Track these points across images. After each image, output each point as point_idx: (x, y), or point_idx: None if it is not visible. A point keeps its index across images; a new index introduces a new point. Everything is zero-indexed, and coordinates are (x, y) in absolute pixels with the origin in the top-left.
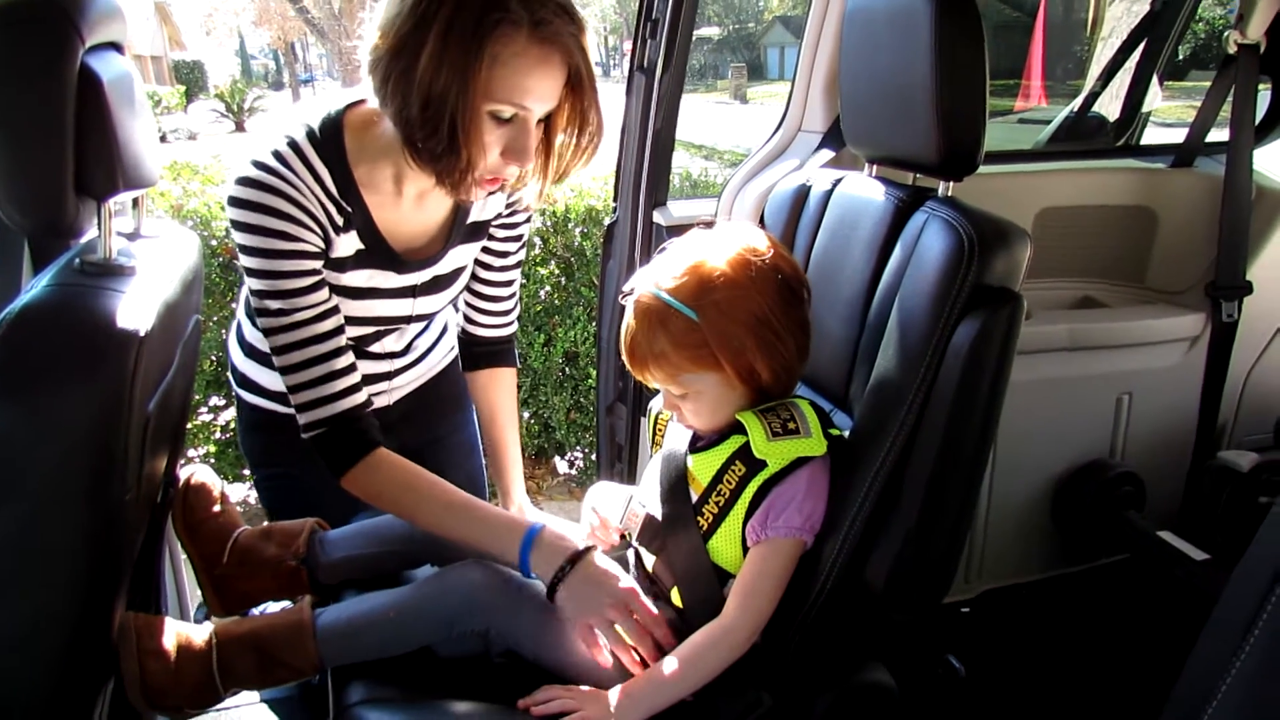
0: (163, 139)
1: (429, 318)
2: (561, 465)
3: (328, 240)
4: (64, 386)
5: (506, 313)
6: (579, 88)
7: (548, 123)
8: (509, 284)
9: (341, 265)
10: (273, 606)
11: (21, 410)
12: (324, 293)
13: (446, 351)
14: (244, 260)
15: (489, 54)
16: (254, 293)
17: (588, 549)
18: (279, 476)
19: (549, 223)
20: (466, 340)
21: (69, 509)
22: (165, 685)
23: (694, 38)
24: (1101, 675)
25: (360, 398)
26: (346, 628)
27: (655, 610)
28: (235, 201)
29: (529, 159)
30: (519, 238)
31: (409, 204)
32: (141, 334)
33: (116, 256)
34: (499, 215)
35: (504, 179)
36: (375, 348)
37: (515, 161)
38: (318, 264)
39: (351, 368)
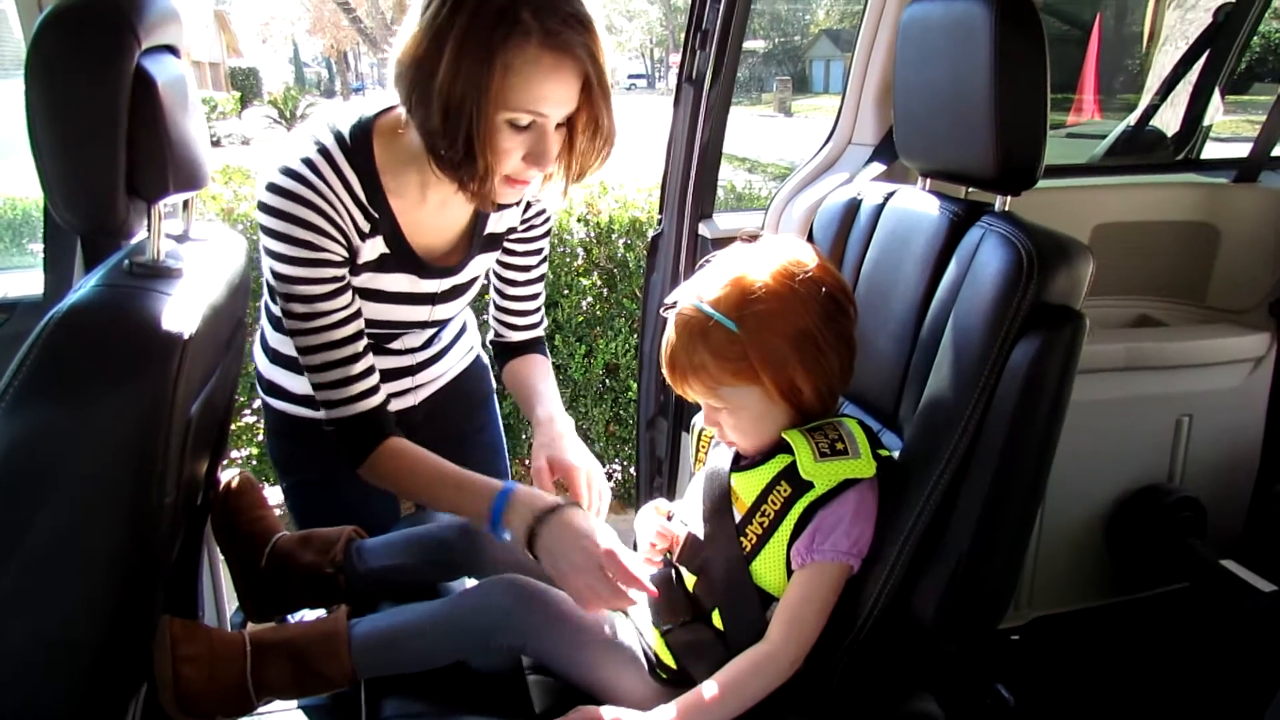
0: (216, 143)
1: (445, 321)
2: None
3: (353, 248)
4: (107, 388)
5: (534, 313)
6: (592, 92)
7: (569, 125)
8: (534, 296)
9: (367, 269)
10: (308, 615)
11: (64, 411)
12: (346, 298)
13: (467, 350)
14: (269, 263)
15: (501, 64)
16: (279, 295)
17: (564, 504)
18: (307, 484)
19: (592, 234)
20: (499, 345)
21: (108, 511)
22: (199, 691)
23: (741, 51)
24: (1158, 710)
25: (378, 399)
26: (381, 639)
27: (635, 572)
28: (265, 208)
29: (549, 163)
30: (539, 250)
31: (432, 210)
32: (186, 337)
33: (165, 258)
34: (514, 229)
35: (527, 181)
36: (396, 345)
37: (535, 166)
38: (342, 271)
39: (370, 370)
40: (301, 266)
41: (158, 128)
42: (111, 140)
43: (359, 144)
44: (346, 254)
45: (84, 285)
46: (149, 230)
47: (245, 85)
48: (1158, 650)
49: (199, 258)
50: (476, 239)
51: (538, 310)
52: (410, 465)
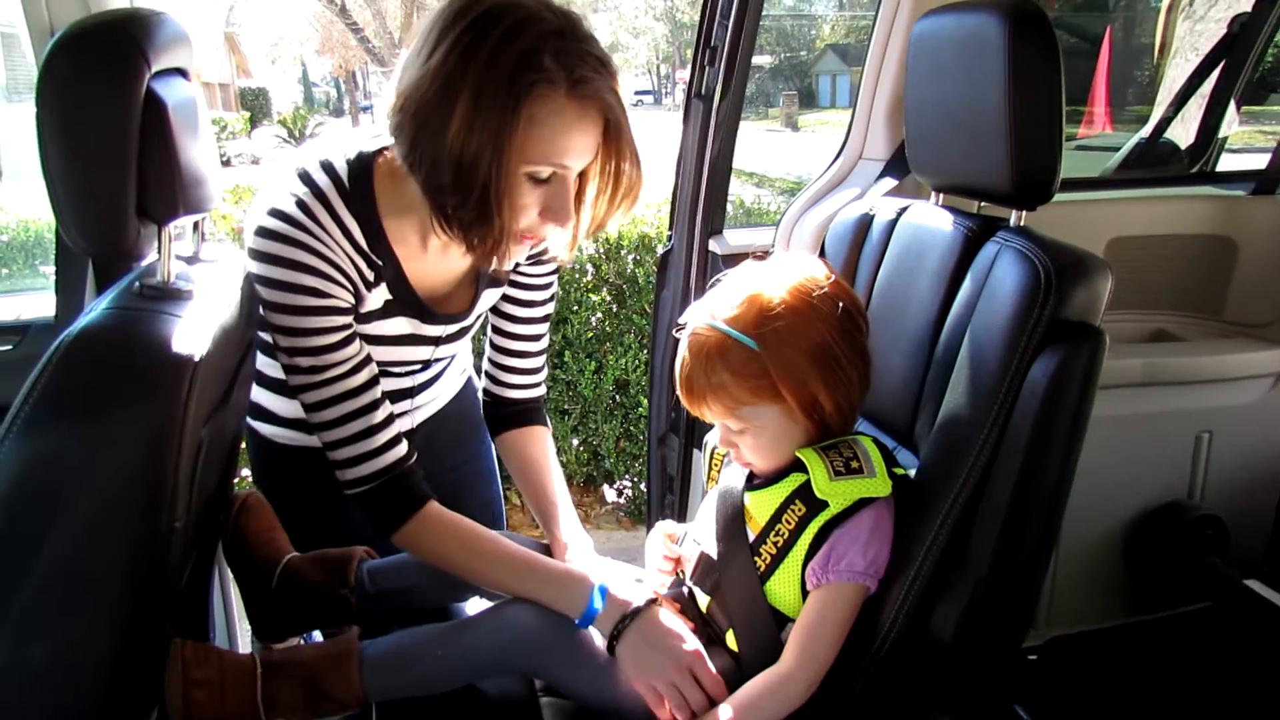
0: (227, 163)
1: (448, 357)
2: (610, 494)
3: (358, 296)
4: (117, 411)
5: (535, 370)
6: (615, 139)
7: (580, 174)
8: (537, 338)
9: (370, 316)
10: (319, 636)
11: (74, 434)
12: (356, 345)
13: (461, 370)
14: (269, 316)
15: (525, 115)
16: (281, 349)
17: (650, 603)
18: (306, 511)
19: (601, 249)
20: (493, 403)
21: (117, 534)
22: (210, 714)
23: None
24: None
25: (403, 449)
26: (393, 661)
27: (716, 674)
28: (259, 255)
29: (569, 217)
30: (547, 286)
31: (435, 254)
32: (197, 358)
33: (175, 280)
34: (519, 264)
35: (541, 237)
36: (394, 369)
37: (554, 221)
38: (348, 319)
39: (390, 419)
40: (307, 316)
41: (168, 150)
42: (122, 163)
43: (358, 186)
44: (353, 300)
45: (95, 308)
46: (159, 252)
47: (255, 105)
48: (1179, 671)
49: (209, 279)
50: (482, 278)
51: (540, 355)
52: (458, 538)
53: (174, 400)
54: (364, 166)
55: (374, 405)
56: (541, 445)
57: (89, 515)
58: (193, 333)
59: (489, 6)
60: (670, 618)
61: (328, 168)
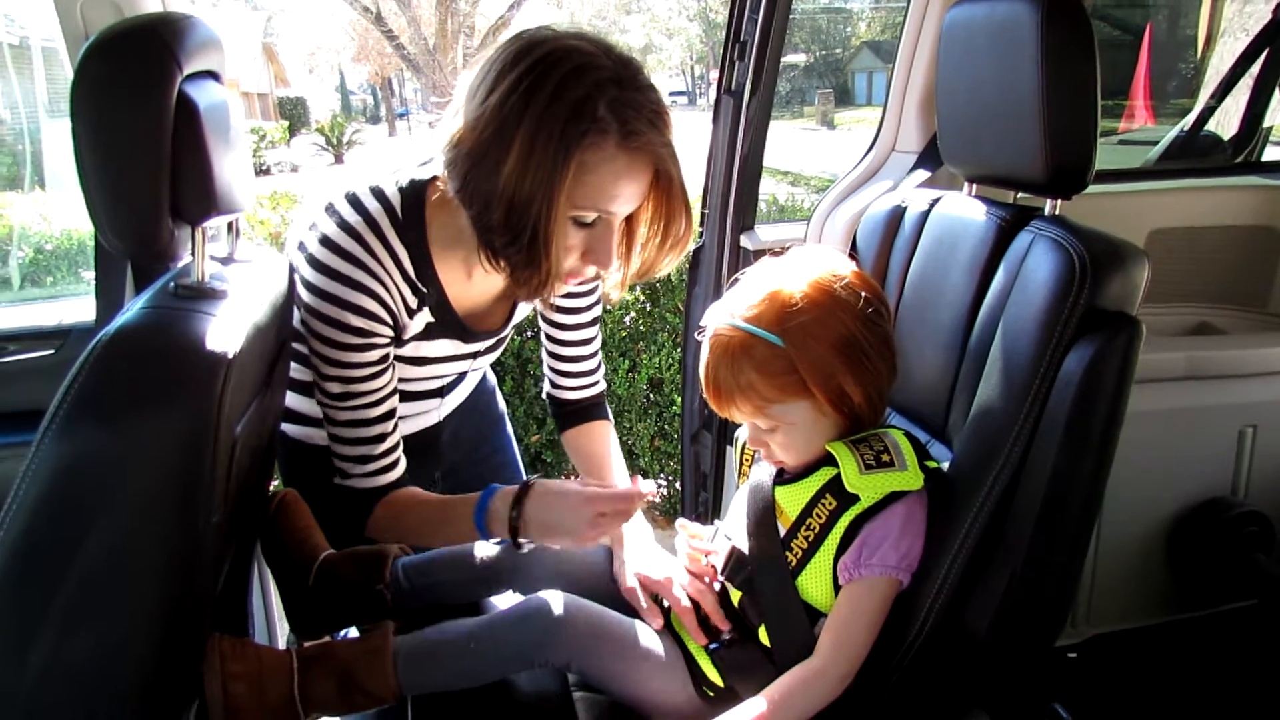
0: (266, 171)
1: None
2: None
3: (399, 325)
4: (153, 410)
5: (592, 372)
6: (665, 188)
7: (630, 217)
8: (589, 342)
9: (411, 340)
10: (354, 632)
11: (111, 433)
12: (385, 377)
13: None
14: (313, 343)
15: (576, 161)
16: (318, 373)
17: (529, 483)
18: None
19: None
20: (556, 402)
21: (156, 533)
22: (248, 708)
23: (781, 65)
24: None
25: (397, 472)
26: (427, 656)
27: (624, 493)
28: (309, 287)
29: (610, 262)
30: (590, 293)
31: (477, 280)
32: (230, 356)
33: (210, 280)
34: None
35: (584, 276)
36: (432, 381)
37: (596, 263)
38: (387, 351)
39: (394, 448)
40: (347, 351)
41: (200, 152)
42: (155, 165)
43: (411, 216)
44: (393, 333)
45: (130, 308)
46: (193, 253)
47: (293, 114)
48: (1222, 670)
49: (243, 279)
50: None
51: (594, 357)
52: (400, 510)
53: (208, 398)
54: (417, 196)
55: (382, 437)
56: (602, 439)
57: (126, 513)
58: (226, 331)
59: (549, 50)
60: (552, 483)
61: (379, 194)
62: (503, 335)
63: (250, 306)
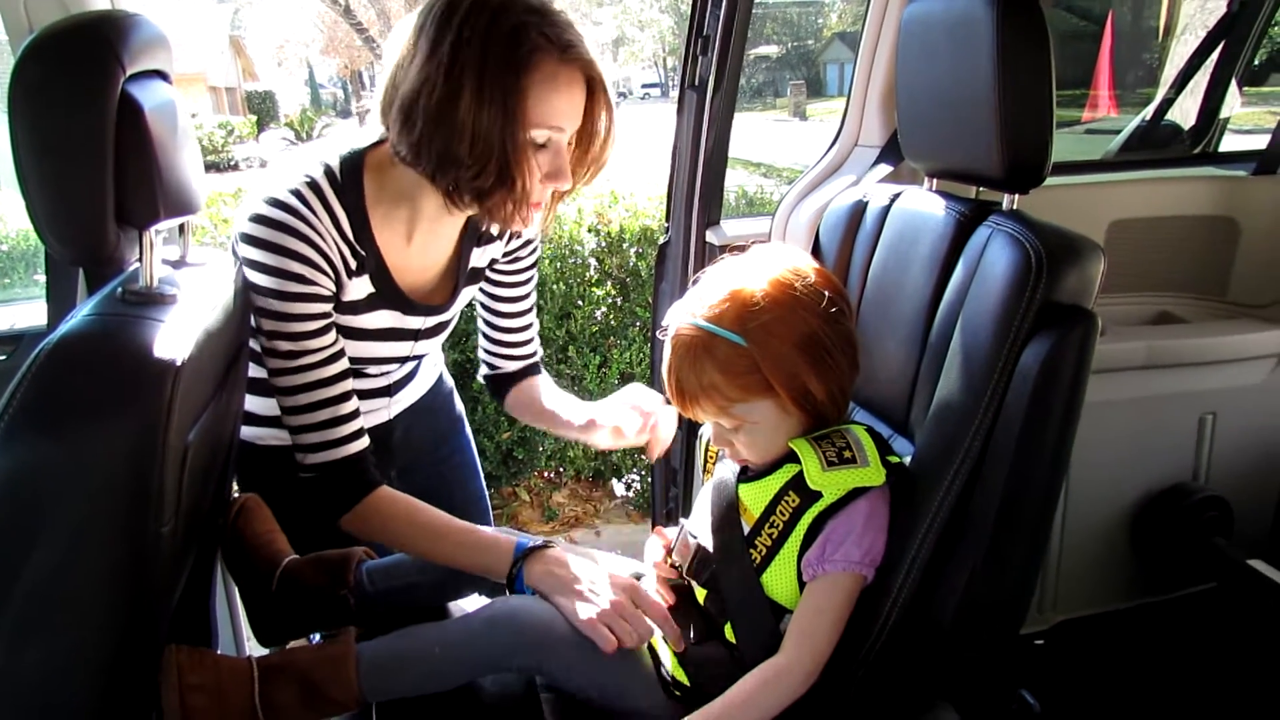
0: (235, 166)
1: (424, 354)
2: (619, 488)
3: (340, 284)
4: (98, 420)
5: (529, 343)
6: (598, 95)
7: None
8: (528, 326)
9: (354, 308)
10: (318, 638)
11: (55, 444)
12: (332, 335)
13: (434, 365)
14: (255, 299)
15: (526, 81)
16: (263, 332)
17: (555, 543)
18: (294, 515)
19: (604, 243)
20: (495, 378)
21: (103, 542)
22: (207, 719)
23: (753, 56)
24: (1186, 712)
25: (364, 442)
26: (390, 662)
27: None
28: (251, 240)
29: (569, 178)
30: (528, 280)
31: (417, 248)
32: (179, 364)
33: (159, 285)
34: (496, 260)
35: (544, 202)
36: (372, 370)
37: (555, 182)
38: (329, 307)
39: (356, 413)
40: (290, 301)
41: (146, 154)
42: (98, 168)
43: (349, 179)
44: (334, 288)
45: (75, 315)
46: (141, 257)
47: (262, 108)
48: (1186, 652)
49: (196, 282)
50: (462, 274)
51: (532, 339)
52: (403, 516)
53: (156, 407)
54: (355, 161)
55: (344, 397)
56: (546, 385)
57: (73, 524)
58: (175, 338)
59: (471, 1)
60: (584, 552)
61: (323, 163)
62: (446, 317)
63: (201, 311)
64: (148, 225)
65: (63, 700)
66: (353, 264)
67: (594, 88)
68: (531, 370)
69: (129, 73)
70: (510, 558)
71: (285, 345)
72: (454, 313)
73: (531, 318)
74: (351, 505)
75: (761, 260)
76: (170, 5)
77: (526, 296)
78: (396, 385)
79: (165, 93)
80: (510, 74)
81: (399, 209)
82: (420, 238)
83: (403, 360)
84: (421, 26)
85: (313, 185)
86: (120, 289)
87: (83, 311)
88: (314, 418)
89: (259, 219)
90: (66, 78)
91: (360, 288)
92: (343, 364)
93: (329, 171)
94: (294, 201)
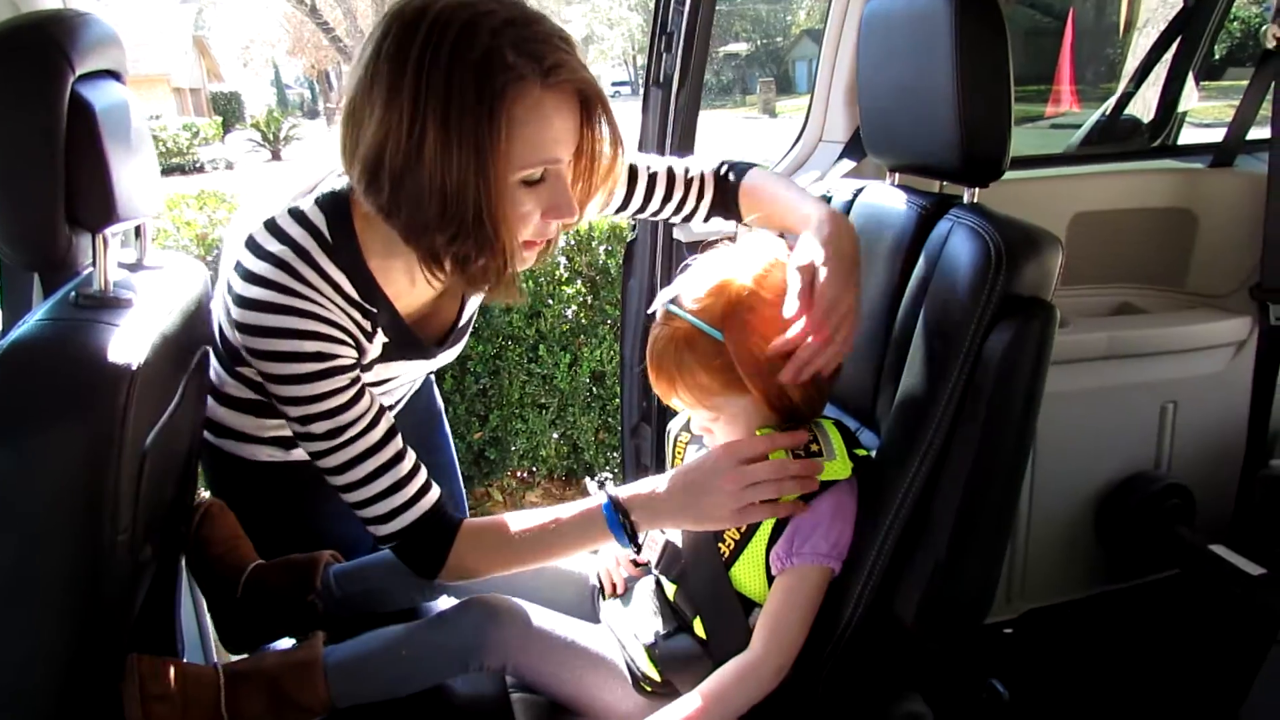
0: (200, 169)
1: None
2: (591, 486)
3: (361, 349)
4: (50, 426)
5: (692, 180)
6: (594, 114)
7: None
8: (660, 188)
9: (369, 364)
10: (285, 643)
11: (9, 450)
12: (368, 399)
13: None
14: (275, 389)
15: (504, 119)
16: (292, 420)
17: (610, 495)
18: (274, 525)
19: (573, 241)
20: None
21: (56, 549)
22: None
23: (722, 54)
24: (1153, 696)
25: (435, 494)
26: (358, 665)
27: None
28: (250, 329)
29: (574, 210)
30: (635, 191)
31: (422, 286)
32: (134, 368)
33: (114, 288)
34: None
35: (549, 237)
36: (384, 398)
37: (559, 217)
38: (356, 373)
39: (417, 467)
40: (315, 382)
41: (97, 156)
42: (48, 170)
43: (340, 237)
44: (356, 354)
45: (28, 320)
46: (95, 261)
47: (227, 110)
48: (1151, 638)
49: (152, 286)
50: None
51: (689, 174)
52: (497, 537)
53: (110, 412)
54: (341, 211)
55: (400, 456)
56: (772, 178)
57: (25, 531)
58: (130, 342)
59: (431, 20)
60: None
61: (300, 218)
62: (459, 330)
63: (158, 315)
64: (101, 228)
65: (19, 708)
66: (367, 325)
67: (589, 105)
68: (735, 170)
69: (79, 72)
70: (605, 521)
71: (322, 427)
72: (467, 321)
73: (666, 181)
74: (443, 560)
75: (753, 255)
76: (132, 5)
77: (647, 188)
78: (400, 400)
79: (118, 93)
80: (483, 113)
81: (397, 259)
82: (422, 279)
83: (413, 382)
84: (376, 56)
85: (302, 254)
86: (74, 293)
87: (35, 316)
88: (375, 488)
89: (250, 303)
90: (12, 78)
91: (377, 344)
92: (387, 421)
93: (315, 232)
94: (284, 279)
